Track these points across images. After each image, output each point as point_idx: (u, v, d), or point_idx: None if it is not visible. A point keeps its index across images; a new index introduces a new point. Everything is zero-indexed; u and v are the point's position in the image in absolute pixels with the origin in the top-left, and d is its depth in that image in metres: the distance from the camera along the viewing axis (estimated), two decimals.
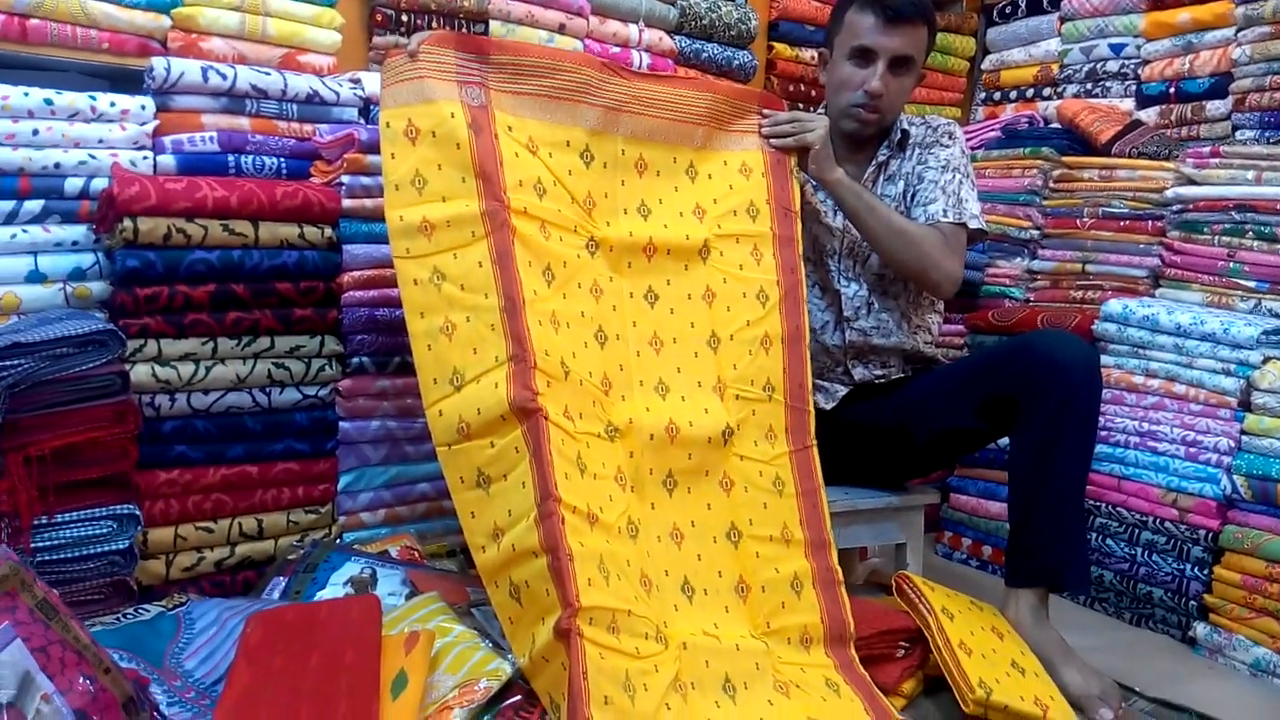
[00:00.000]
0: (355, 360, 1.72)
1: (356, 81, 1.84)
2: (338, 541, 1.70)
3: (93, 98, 1.60)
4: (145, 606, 1.47)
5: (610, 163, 1.62)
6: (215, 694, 1.25)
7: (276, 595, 1.55)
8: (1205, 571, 1.92)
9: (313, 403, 1.69)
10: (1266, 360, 1.90)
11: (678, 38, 2.38)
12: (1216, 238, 2.14)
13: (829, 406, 1.90)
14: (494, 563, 1.35)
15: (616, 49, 2.27)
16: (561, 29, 2.18)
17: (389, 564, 1.60)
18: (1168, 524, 1.98)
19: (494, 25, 2.09)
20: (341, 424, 1.72)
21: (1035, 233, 2.47)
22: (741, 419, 1.60)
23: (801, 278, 1.71)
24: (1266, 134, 2.30)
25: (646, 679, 1.26)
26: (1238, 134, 2.36)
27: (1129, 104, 2.62)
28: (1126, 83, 2.65)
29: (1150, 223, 2.27)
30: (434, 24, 2.03)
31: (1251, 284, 2.08)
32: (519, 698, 1.27)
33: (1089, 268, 2.37)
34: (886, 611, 1.60)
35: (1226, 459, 1.91)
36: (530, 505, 1.32)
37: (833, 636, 1.50)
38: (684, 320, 1.62)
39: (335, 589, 1.53)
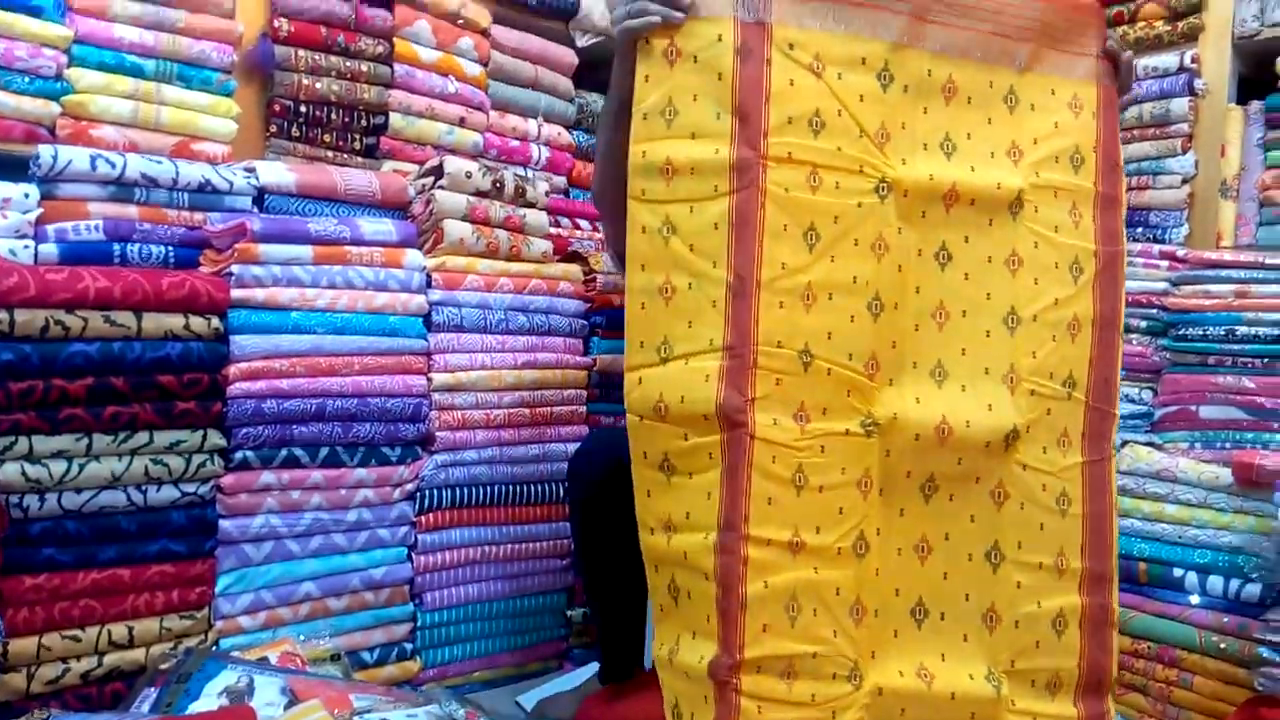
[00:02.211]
0: (239, 455, 1.67)
1: (251, 170, 1.83)
2: (213, 649, 1.63)
3: None
4: None
5: (912, 85, 1.37)
6: None
7: (146, 708, 1.46)
8: None
9: (191, 500, 1.63)
10: (1124, 444, 2.03)
11: (576, 133, 2.46)
12: None
13: None
14: (660, 552, 1.29)
15: (516, 142, 2.33)
16: (462, 122, 2.22)
17: (268, 671, 1.54)
18: None
19: (394, 118, 2.12)
20: (221, 522, 1.66)
21: None
22: (1033, 420, 1.38)
23: (1123, 249, 1.45)
24: (1127, 230, 2.49)
25: None
26: None
27: None
28: None
29: None
30: (333, 115, 2.05)
31: None
32: None
33: None
34: None
35: None
36: (711, 523, 1.24)
37: (1088, 685, 1.38)
38: (979, 289, 1.38)
39: (209, 700, 1.45)
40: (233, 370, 1.66)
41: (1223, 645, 1.82)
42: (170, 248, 1.70)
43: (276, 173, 1.83)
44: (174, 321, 1.60)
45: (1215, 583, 1.86)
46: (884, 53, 1.35)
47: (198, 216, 1.75)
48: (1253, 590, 1.80)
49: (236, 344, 1.67)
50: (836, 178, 1.32)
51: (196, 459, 1.63)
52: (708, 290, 1.28)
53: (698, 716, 1.24)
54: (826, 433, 1.28)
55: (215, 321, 1.65)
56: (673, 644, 1.28)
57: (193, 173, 1.75)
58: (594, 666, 1.97)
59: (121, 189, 1.69)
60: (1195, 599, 1.88)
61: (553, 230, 2.21)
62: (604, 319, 2.25)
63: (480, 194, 2.00)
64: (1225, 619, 1.83)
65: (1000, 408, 1.37)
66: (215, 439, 1.65)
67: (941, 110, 1.38)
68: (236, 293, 1.67)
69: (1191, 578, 1.89)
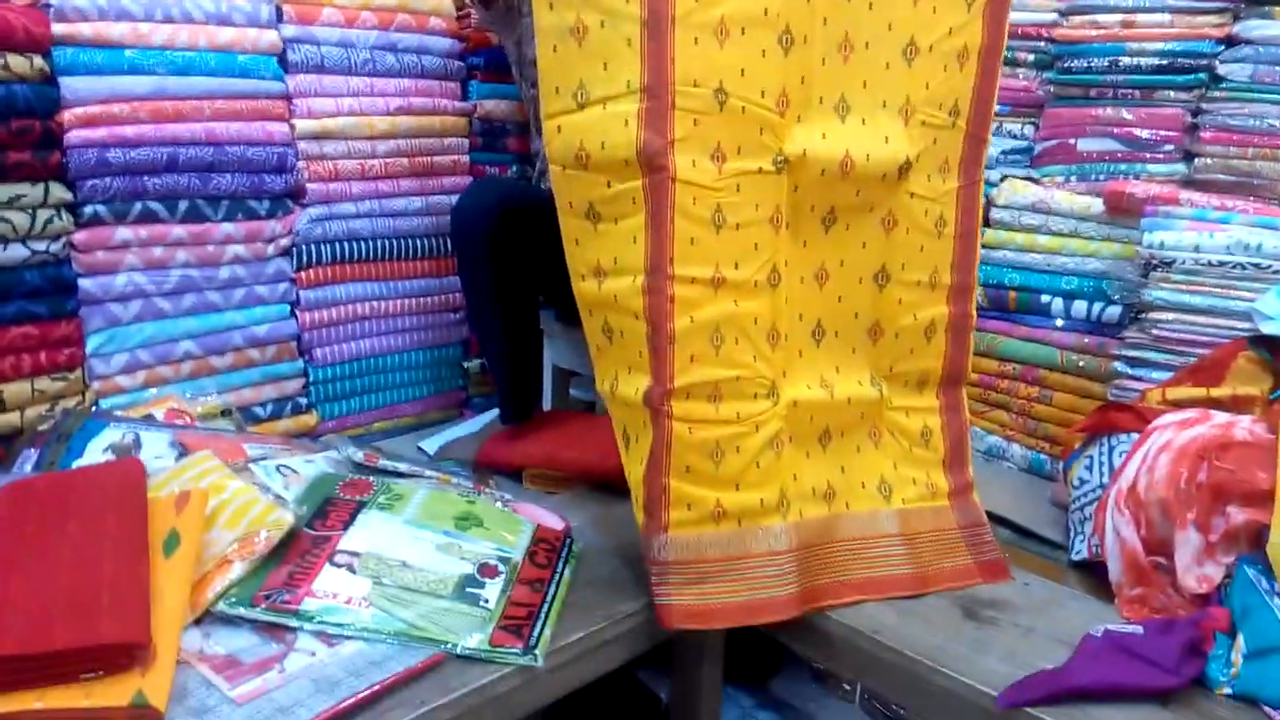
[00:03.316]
0: (89, 209, 1.55)
1: None
2: (93, 408, 1.59)
3: None
4: None
5: None
6: None
7: (28, 469, 1.44)
8: None
9: (44, 259, 1.53)
10: (1004, 178, 2.07)
11: None
12: None
13: None
14: (592, 297, 1.34)
15: None
16: None
17: (154, 426, 1.52)
18: None
19: None
20: (81, 281, 1.57)
21: None
22: (922, 150, 1.44)
23: None
24: None
25: (741, 441, 1.32)
26: None
27: None
28: None
29: None
30: None
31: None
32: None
33: None
34: None
35: None
36: (638, 266, 1.27)
37: (948, 379, 1.55)
38: (882, 20, 1.38)
39: (94, 456, 1.43)
40: (67, 116, 1.51)
41: (1081, 363, 1.95)
42: None
43: None
44: None
45: (1079, 307, 1.97)
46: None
47: None
48: (1113, 312, 1.91)
49: (67, 87, 1.51)
50: None
51: (42, 214, 1.51)
52: (622, 28, 1.22)
53: (641, 440, 1.34)
54: (741, 171, 1.30)
55: (39, 60, 1.48)
56: (612, 379, 1.36)
57: None
58: (495, 412, 2.01)
59: None
60: (1060, 322, 2.00)
61: None
62: (483, 60, 2.11)
63: None
64: (1086, 339, 1.95)
65: (895, 140, 1.41)
66: (59, 192, 1.53)
67: None
68: (58, 28, 1.49)
69: (1058, 303, 2.00)
